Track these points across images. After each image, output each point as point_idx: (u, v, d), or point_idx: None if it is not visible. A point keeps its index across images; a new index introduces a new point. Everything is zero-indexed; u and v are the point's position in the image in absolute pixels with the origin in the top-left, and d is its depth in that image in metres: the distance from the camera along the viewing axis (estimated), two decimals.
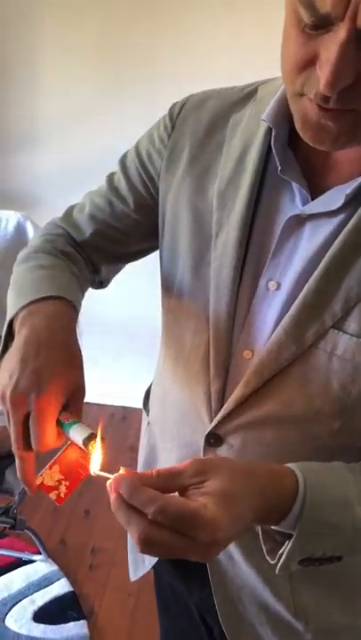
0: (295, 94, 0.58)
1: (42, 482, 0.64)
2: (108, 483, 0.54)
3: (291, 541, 0.57)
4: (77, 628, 1.78)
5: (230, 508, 0.52)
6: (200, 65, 2.18)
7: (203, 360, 0.74)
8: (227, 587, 0.81)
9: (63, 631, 1.77)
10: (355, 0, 0.47)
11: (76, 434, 0.61)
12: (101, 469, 0.59)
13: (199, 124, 0.77)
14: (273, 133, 0.66)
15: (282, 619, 0.79)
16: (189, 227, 0.76)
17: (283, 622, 0.79)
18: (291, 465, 0.60)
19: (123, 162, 0.87)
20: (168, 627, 1.10)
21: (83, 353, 0.70)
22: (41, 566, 1.97)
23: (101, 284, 0.96)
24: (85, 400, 0.67)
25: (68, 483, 0.65)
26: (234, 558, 0.79)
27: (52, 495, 0.64)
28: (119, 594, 1.91)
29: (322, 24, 0.51)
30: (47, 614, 1.82)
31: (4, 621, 1.79)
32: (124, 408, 2.79)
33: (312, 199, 0.67)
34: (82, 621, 1.80)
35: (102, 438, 0.60)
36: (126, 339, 2.71)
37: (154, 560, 0.94)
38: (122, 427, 2.71)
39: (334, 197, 0.64)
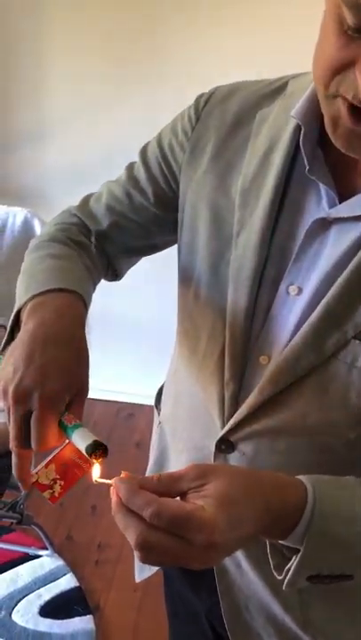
0: (328, 96, 0.55)
1: (37, 480, 0.63)
2: (112, 486, 0.54)
3: (298, 556, 0.55)
4: (83, 622, 1.79)
5: (229, 511, 0.51)
6: (205, 63, 2.17)
7: (217, 363, 0.72)
8: (234, 596, 0.79)
9: (69, 626, 1.78)
10: None
11: (79, 439, 0.59)
12: (104, 473, 0.58)
13: (225, 117, 0.74)
14: (302, 131, 0.63)
15: (289, 631, 0.77)
16: (209, 224, 0.73)
17: (290, 634, 0.77)
18: (301, 477, 0.58)
19: (143, 152, 0.84)
20: (177, 630, 1.09)
21: (89, 349, 0.67)
22: (47, 561, 1.98)
23: (115, 277, 0.93)
24: (92, 396, 0.65)
25: (63, 482, 0.63)
26: (242, 567, 0.77)
27: (46, 494, 0.63)
28: (125, 589, 1.91)
29: None
30: (53, 609, 1.83)
31: (10, 616, 1.80)
32: (130, 404, 2.79)
33: (339, 202, 0.64)
34: (88, 616, 1.81)
35: (106, 448, 0.58)
36: (134, 335, 2.71)
37: None
38: (128, 423, 2.71)
39: None
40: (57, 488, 0.63)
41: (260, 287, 0.69)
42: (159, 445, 0.94)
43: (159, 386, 1.02)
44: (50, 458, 0.63)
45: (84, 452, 0.58)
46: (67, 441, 0.62)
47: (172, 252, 0.96)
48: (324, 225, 0.64)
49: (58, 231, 0.83)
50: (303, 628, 0.76)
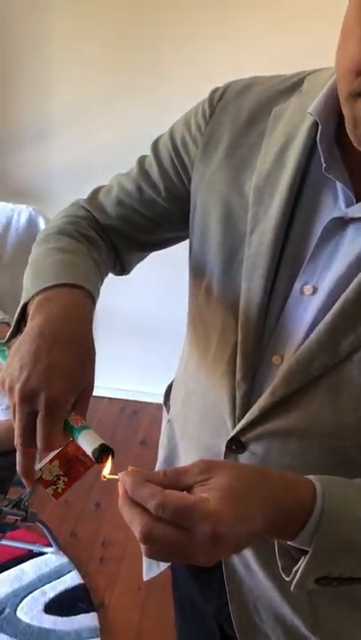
0: (351, 94, 0.54)
1: (40, 476, 0.62)
2: (119, 480, 0.54)
3: (306, 557, 0.54)
4: (88, 620, 1.79)
5: (235, 504, 0.50)
6: (207, 62, 2.16)
7: (229, 362, 0.71)
8: (243, 596, 0.79)
9: (74, 623, 1.78)
10: None
11: (85, 442, 0.59)
12: (109, 471, 0.58)
13: (240, 113, 0.72)
14: (319, 128, 0.62)
15: (298, 632, 0.76)
16: (222, 221, 0.72)
17: (299, 635, 0.76)
18: (311, 476, 0.57)
19: (155, 146, 0.82)
20: (184, 630, 1.09)
21: (95, 343, 0.66)
22: (52, 558, 1.98)
23: (123, 271, 0.92)
24: (96, 394, 0.65)
25: (66, 479, 0.63)
26: (251, 568, 0.76)
27: (50, 490, 0.62)
28: (129, 587, 1.92)
29: None
30: (58, 606, 1.83)
31: (15, 612, 1.80)
32: (134, 402, 2.79)
33: (356, 202, 0.63)
34: (92, 613, 1.81)
35: (112, 451, 0.58)
36: (138, 332, 2.71)
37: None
38: (132, 421, 2.71)
39: None
40: (61, 484, 0.63)
41: (273, 286, 0.68)
42: (168, 444, 0.93)
43: (164, 384, 1.02)
44: (54, 454, 0.63)
45: (90, 455, 0.58)
46: (71, 438, 0.62)
47: (179, 249, 0.96)
48: (341, 224, 0.63)
49: (66, 224, 0.82)
50: (312, 630, 0.75)
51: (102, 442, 0.58)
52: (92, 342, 0.66)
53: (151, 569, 0.99)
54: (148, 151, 0.85)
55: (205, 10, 2.15)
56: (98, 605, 1.85)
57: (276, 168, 0.67)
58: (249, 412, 0.69)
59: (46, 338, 0.62)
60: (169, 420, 0.94)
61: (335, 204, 0.64)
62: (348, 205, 0.63)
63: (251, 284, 0.68)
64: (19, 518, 1.76)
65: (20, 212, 1.72)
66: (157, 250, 0.90)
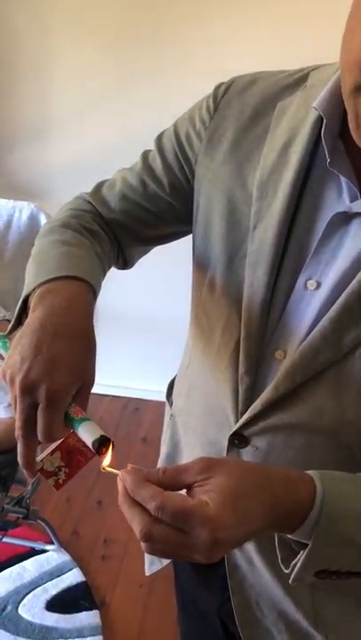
0: (354, 89, 0.54)
1: (42, 467, 0.63)
2: (119, 477, 0.54)
3: (305, 552, 0.55)
4: (90, 617, 1.79)
5: (234, 509, 0.51)
6: (208, 60, 2.16)
7: (232, 357, 0.71)
8: (245, 592, 0.79)
9: (75, 621, 1.78)
10: None
11: (86, 433, 0.59)
12: (111, 467, 0.58)
13: (244, 108, 0.73)
14: (324, 123, 0.62)
15: (301, 629, 0.76)
16: (225, 215, 0.72)
17: (301, 631, 0.77)
18: (311, 472, 0.57)
19: (159, 140, 0.82)
20: (187, 629, 1.09)
21: (96, 341, 0.66)
22: (54, 556, 1.98)
23: (125, 265, 0.92)
24: (98, 391, 0.65)
25: (67, 470, 0.63)
26: (254, 564, 0.77)
27: (51, 481, 0.63)
28: (131, 585, 1.92)
29: None
30: (60, 604, 1.83)
31: (17, 610, 1.80)
32: (136, 400, 2.79)
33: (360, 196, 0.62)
34: (94, 611, 1.81)
35: (112, 443, 0.58)
36: (140, 330, 2.70)
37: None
38: (134, 418, 2.71)
39: None
40: (62, 475, 0.63)
41: (276, 281, 0.68)
42: (171, 439, 0.93)
43: (166, 381, 1.02)
44: (55, 445, 0.63)
45: (90, 446, 0.58)
46: (72, 429, 0.62)
47: (181, 246, 0.96)
48: (345, 219, 0.63)
49: (70, 217, 0.82)
50: (314, 625, 0.75)
51: (102, 433, 0.58)
52: (93, 335, 0.66)
53: (153, 564, 0.99)
54: (148, 148, 0.85)
55: (206, 8, 2.14)
56: (100, 603, 1.85)
57: (280, 163, 0.67)
58: (252, 407, 0.69)
59: (47, 330, 0.62)
60: (172, 415, 0.94)
61: (339, 199, 0.64)
62: (352, 200, 0.63)
63: (254, 278, 0.68)
64: (20, 516, 1.76)
65: (22, 210, 1.71)
66: (160, 244, 0.90)
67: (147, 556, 1.01)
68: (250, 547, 0.76)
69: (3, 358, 0.66)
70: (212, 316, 0.76)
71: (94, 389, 0.64)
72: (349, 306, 0.62)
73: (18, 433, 0.61)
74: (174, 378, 0.97)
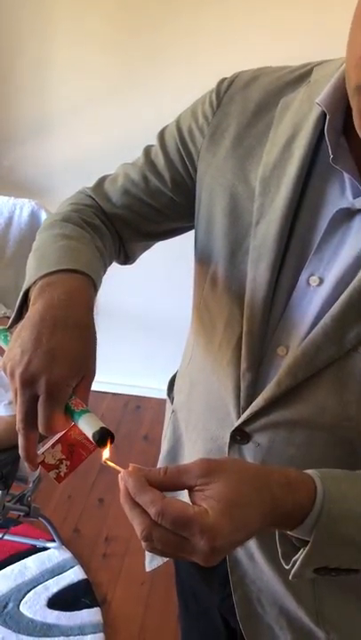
0: (359, 86, 0.53)
1: (43, 460, 0.63)
2: (120, 476, 0.54)
3: (305, 550, 0.55)
4: (91, 615, 1.79)
5: (233, 516, 0.51)
6: (209, 57, 2.15)
7: (234, 353, 0.71)
8: (246, 587, 0.79)
9: (77, 618, 1.78)
10: None
11: (86, 426, 0.59)
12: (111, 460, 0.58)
13: (247, 103, 0.72)
14: (327, 119, 0.62)
15: (302, 625, 0.76)
16: (227, 211, 0.72)
17: (303, 629, 0.77)
18: (312, 472, 0.58)
19: (161, 136, 0.82)
20: (188, 625, 1.09)
21: (97, 339, 0.66)
22: (55, 553, 1.98)
23: (127, 260, 0.92)
24: (100, 389, 0.65)
25: (69, 463, 0.63)
26: (255, 559, 0.77)
27: (52, 474, 0.63)
28: (132, 582, 1.92)
29: None
30: (61, 601, 1.83)
31: (18, 607, 1.80)
32: (138, 397, 2.79)
33: None
34: (95, 609, 1.81)
35: (113, 435, 0.58)
36: (141, 328, 2.70)
37: None
38: (135, 416, 2.71)
39: None
40: (63, 468, 0.63)
41: (279, 277, 0.68)
42: (173, 435, 0.93)
43: (167, 379, 1.02)
44: (56, 438, 0.63)
45: (90, 438, 0.58)
46: (73, 422, 0.62)
47: (183, 243, 0.95)
48: (348, 215, 0.63)
49: (72, 211, 0.81)
50: (316, 622, 0.76)
51: (103, 425, 0.58)
52: (94, 327, 0.65)
53: (154, 560, 1.00)
54: (150, 144, 0.85)
55: (206, 5, 2.13)
56: (101, 600, 1.85)
57: (282, 159, 0.67)
58: (254, 403, 0.69)
59: (47, 323, 0.61)
60: (173, 411, 0.94)
61: (342, 195, 0.64)
62: (355, 196, 0.63)
63: (256, 274, 0.68)
64: (22, 514, 1.76)
65: (23, 207, 1.71)
66: (162, 239, 0.90)
67: (147, 553, 1.02)
68: (251, 543, 0.77)
69: (3, 352, 0.66)
70: (213, 311, 0.76)
71: (95, 387, 0.64)
72: (352, 302, 0.61)
73: (19, 426, 0.61)
74: (175, 374, 0.97)
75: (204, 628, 1.01)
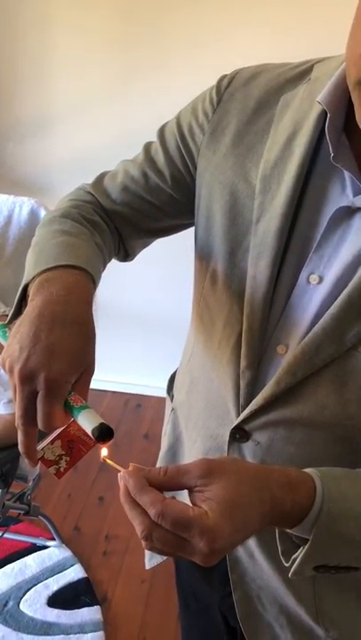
0: (359, 82, 0.53)
1: (42, 456, 0.63)
2: (120, 475, 0.54)
3: (304, 548, 0.56)
4: (91, 613, 1.79)
5: (233, 517, 0.51)
6: (209, 55, 2.15)
7: (233, 351, 0.71)
8: (246, 586, 0.80)
9: (77, 616, 1.78)
10: None
11: (85, 421, 0.59)
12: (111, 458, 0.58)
13: (247, 101, 0.72)
14: (328, 117, 0.61)
15: (302, 622, 0.77)
16: (227, 209, 0.72)
17: (303, 626, 0.77)
18: (311, 471, 0.58)
19: (161, 132, 0.82)
20: (188, 623, 1.09)
21: (98, 337, 0.66)
22: (55, 552, 1.98)
23: (126, 257, 0.91)
24: (100, 387, 0.65)
25: (68, 458, 0.63)
26: (255, 557, 0.77)
27: (52, 470, 0.63)
28: (133, 580, 1.92)
29: None
30: (61, 599, 1.83)
31: (18, 606, 1.80)
32: (138, 396, 2.79)
33: None
34: (96, 607, 1.81)
35: (112, 431, 0.58)
36: (141, 326, 2.70)
37: None
38: (136, 414, 2.71)
39: None
40: (63, 464, 0.63)
41: (279, 275, 0.67)
42: (173, 433, 0.93)
43: (167, 377, 1.02)
44: (55, 434, 0.63)
45: (90, 433, 0.58)
46: (72, 418, 0.62)
47: (183, 241, 0.95)
48: (348, 213, 0.63)
49: (71, 207, 0.81)
50: (316, 620, 0.76)
51: (102, 421, 0.58)
52: (92, 323, 0.65)
53: (153, 557, 1.00)
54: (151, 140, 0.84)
55: (206, 2, 2.13)
56: (101, 599, 1.86)
57: (283, 156, 0.67)
58: (253, 402, 0.69)
59: (46, 319, 0.61)
60: (173, 409, 0.94)
61: (343, 193, 0.64)
62: (355, 194, 0.62)
63: (257, 272, 0.68)
64: (22, 512, 1.76)
65: (22, 205, 1.71)
66: (162, 236, 0.90)
67: (146, 550, 1.02)
68: (251, 542, 0.77)
69: (2, 347, 0.66)
70: (213, 309, 0.76)
71: (95, 385, 0.64)
72: (352, 301, 0.61)
73: (18, 422, 0.61)
74: (175, 372, 0.97)
75: (204, 627, 1.01)
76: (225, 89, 0.74)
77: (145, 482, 0.53)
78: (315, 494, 0.55)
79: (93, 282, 0.69)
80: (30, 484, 1.73)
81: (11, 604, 1.81)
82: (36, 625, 1.75)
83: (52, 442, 0.63)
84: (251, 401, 0.69)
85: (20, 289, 0.69)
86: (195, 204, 0.78)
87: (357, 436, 0.65)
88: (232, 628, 0.90)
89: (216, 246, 0.74)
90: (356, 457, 0.66)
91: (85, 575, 1.92)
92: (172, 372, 1.01)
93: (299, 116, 0.67)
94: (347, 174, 0.62)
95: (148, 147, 0.83)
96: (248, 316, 0.69)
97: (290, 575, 0.58)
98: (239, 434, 0.72)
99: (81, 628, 1.75)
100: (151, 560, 1.00)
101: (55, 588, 1.87)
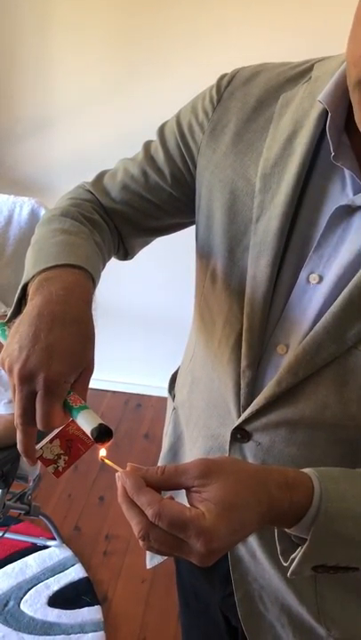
0: (359, 82, 0.53)
1: (41, 455, 0.63)
2: (117, 475, 0.54)
3: (303, 548, 0.56)
4: (92, 613, 1.79)
5: (230, 518, 0.51)
6: (209, 54, 2.15)
7: (234, 350, 0.71)
8: (248, 585, 0.79)
9: (77, 616, 1.78)
10: None
11: (84, 422, 0.59)
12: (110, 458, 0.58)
13: (247, 99, 0.72)
14: (329, 116, 0.62)
15: (304, 622, 0.77)
16: (227, 207, 0.72)
17: (304, 626, 0.77)
18: (310, 471, 0.58)
19: (161, 131, 0.82)
20: (189, 623, 1.09)
21: (98, 337, 0.65)
22: (56, 552, 1.98)
23: (127, 256, 0.91)
24: (100, 387, 0.65)
25: (67, 457, 0.63)
26: (257, 557, 0.77)
27: (50, 469, 0.63)
28: (133, 580, 1.92)
29: None
30: (62, 599, 1.83)
31: (19, 605, 1.80)
32: (138, 395, 2.79)
33: None
34: (96, 607, 1.81)
35: (111, 431, 0.58)
36: (142, 326, 2.70)
37: None
38: (136, 414, 2.71)
39: None
40: (61, 463, 0.63)
41: (279, 274, 0.67)
42: (174, 432, 0.93)
43: (167, 377, 1.02)
44: (54, 433, 0.63)
45: (89, 434, 0.58)
46: (71, 418, 0.62)
47: (183, 240, 0.95)
48: (348, 212, 0.63)
49: (70, 206, 0.81)
50: (317, 619, 0.76)
51: (101, 422, 0.58)
52: (92, 323, 0.65)
53: (154, 557, 1.00)
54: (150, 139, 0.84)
55: (207, 2, 2.13)
56: (102, 598, 1.86)
57: (283, 155, 0.67)
58: (254, 402, 0.69)
59: (45, 318, 0.61)
60: (174, 409, 0.94)
61: (343, 192, 0.64)
62: (355, 193, 0.62)
63: (257, 271, 0.68)
64: (22, 512, 1.76)
65: (23, 205, 1.71)
66: (162, 235, 0.89)
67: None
68: (253, 541, 0.76)
69: (2, 346, 0.66)
70: (213, 308, 0.76)
71: (96, 385, 0.64)
72: (353, 300, 0.61)
73: (17, 421, 0.61)
74: (176, 371, 0.97)
75: (205, 626, 1.01)
76: (225, 88, 0.75)
77: (142, 482, 0.53)
78: (313, 494, 0.55)
79: (93, 281, 0.69)
80: (31, 484, 1.73)
81: (11, 603, 1.81)
82: (37, 625, 1.75)
83: (51, 441, 0.63)
84: (251, 401, 0.69)
85: (20, 288, 0.69)
86: (195, 203, 0.78)
87: (359, 438, 0.65)
88: (233, 628, 0.90)
89: (216, 245, 0.73)
90: (356, 458, 0.66)
91: (86, 575, 1.92)
92: (172, 372, 1.01)
93: (299, 115, 0.67)
94: (347, 173, 0.63)
95: (147, 145, 0.83)
96: (248, 315, 0.69)
97: (289, 575, 0.58)
98: (240, 434, 0.71)
99: (81, 628, 1.75)
100: (152, 559, 1.00)
101: (56, 587, 1.87)
